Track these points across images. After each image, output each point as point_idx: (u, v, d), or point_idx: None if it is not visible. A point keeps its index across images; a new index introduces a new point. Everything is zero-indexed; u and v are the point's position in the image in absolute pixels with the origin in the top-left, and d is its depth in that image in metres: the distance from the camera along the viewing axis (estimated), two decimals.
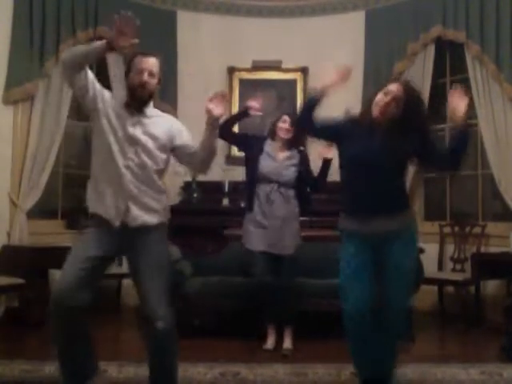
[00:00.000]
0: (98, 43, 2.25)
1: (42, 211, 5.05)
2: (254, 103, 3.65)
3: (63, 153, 5.17)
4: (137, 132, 2.41)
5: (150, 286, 2.34)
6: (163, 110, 2.65)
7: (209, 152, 2.50)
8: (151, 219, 2.41)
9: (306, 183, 3.79)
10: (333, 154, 2.61)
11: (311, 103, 2.64)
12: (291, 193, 3.70)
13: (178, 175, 5.14)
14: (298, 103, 5.73)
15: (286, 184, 3.67)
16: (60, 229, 5.08)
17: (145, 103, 2.46)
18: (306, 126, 2.73)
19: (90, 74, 2.37)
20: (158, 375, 2.43)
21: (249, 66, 5.78)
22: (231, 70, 5.79)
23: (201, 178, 5.27)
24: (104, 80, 4.53)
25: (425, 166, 2.74)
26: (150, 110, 2.51)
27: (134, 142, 2.40)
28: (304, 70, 5.76)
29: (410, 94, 2.47)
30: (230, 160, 5.64)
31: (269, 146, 3.77)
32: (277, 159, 3.73)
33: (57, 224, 5.13)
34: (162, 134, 2.47)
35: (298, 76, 5.80)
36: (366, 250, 2.53)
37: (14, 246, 4.56)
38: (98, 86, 2.42)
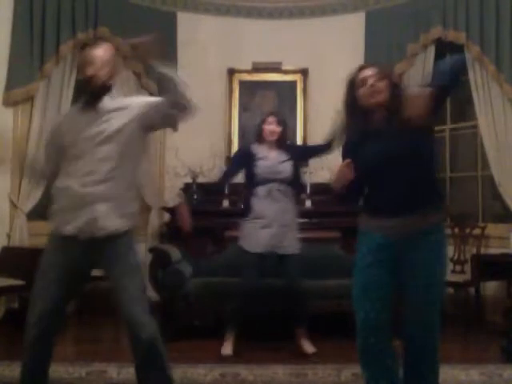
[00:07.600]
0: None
1: (41, 213, 5.03)
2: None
3: None
4: (100, 129, 2.30)
5: (129, 295, 2.22)
6: None
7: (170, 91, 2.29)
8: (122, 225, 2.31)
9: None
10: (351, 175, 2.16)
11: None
12: (290, 190, 3.65)
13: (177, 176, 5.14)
14: (297, 104, 5.74)
15: (284, 180, 3.60)
16: None
17: (98, 96, 2.35)
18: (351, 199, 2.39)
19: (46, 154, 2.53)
20: (152, 380, 2.29)
21: (249, 67, 5.77)
22: (231, 72, 5.78)
23: (201, 179, 5.27)
24: None
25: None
26: (109, 102, 2.37)
27: (100, 140, 2.29)
28: (304, 72, 5.75)
29: (387, 72, 2.23)
30: (230, 162, 5.63)
31: (257, 149, 3.68)
32: (269, 158, 3.64)
33: None
34: (127, 119, 2.33)
35: (298, 77, 5.79)
36: (385, 254, 2.16)
37: (14, 247, 4.56)
38: (52, 141, 2.50)
